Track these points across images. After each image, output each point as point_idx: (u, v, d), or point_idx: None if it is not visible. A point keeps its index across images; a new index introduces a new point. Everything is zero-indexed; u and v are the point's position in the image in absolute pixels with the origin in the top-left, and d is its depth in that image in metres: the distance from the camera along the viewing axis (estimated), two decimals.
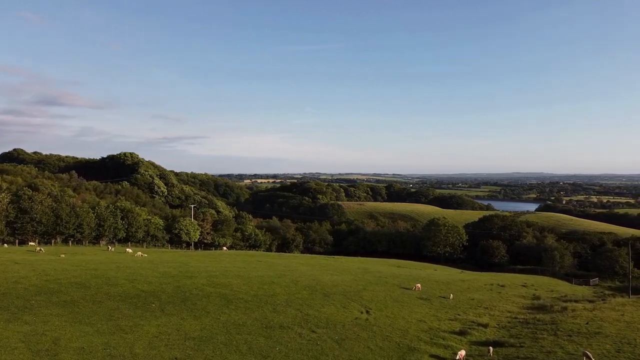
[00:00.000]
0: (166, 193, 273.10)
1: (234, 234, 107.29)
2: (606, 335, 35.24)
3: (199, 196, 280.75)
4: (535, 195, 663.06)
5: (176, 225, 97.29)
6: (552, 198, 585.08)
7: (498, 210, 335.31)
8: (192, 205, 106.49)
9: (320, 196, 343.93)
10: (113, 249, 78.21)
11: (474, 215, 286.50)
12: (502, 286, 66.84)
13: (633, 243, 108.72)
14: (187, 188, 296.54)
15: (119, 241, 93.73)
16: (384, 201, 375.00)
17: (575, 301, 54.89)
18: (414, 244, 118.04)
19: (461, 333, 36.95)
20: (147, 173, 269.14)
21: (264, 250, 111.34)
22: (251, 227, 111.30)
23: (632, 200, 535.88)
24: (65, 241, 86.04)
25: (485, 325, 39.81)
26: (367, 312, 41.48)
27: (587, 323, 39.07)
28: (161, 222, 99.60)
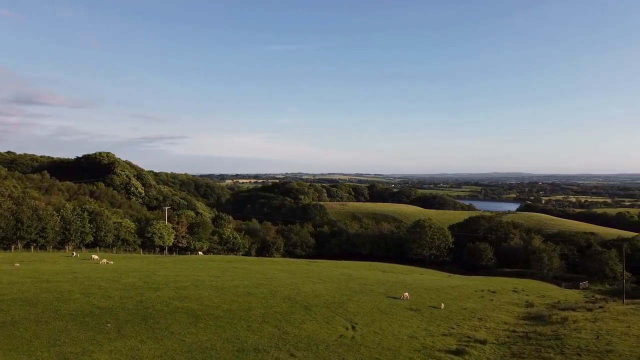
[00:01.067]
0: (143, 194, 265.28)
1: (211, 237, 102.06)
2: (619, 354, 31.68)
3: (177, 197, 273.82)
4: (515, 195, 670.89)
5: (149, 229, 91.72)
6: (532, 198, 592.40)
7: (480, 211, 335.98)
8: (166, 208, 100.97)
9: (303, 196, 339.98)
10: (78, 255, 72.47)
11: (457, 216, 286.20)
12: (493, 292, 63.56)
13: (621, 245, 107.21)
14: (165, 189, 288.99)
15: (87, 246, 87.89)
16: (367, 201, 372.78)
17: (573, 310, 51.65)
18: (398, 247, 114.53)
19: (458, 352, 32.94)
20: (123, 173, 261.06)
21: (243, 254, 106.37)
22: (229, 230, 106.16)
23: (609, 200, 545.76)
24: (27, 246, 79.91)
25: (484, 342, 35.95)
26: (353, 327, 37.29)
27: (597, 338, 35.55)
28: (133, 225, 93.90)
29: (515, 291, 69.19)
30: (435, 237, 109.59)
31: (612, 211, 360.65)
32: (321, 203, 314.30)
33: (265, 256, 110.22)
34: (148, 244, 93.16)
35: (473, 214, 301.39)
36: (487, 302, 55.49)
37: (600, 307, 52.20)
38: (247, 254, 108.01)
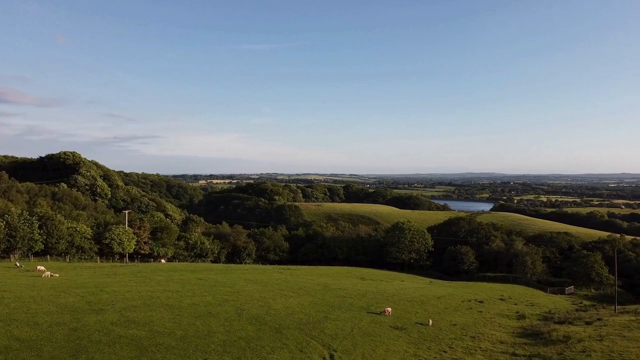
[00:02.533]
0: (110, 195, 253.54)
1: (176, 242, 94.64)
2: None
3: (146, 198, 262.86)
4: (487, 195, 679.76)
5: (107, 235, 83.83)
6: (505, 197, 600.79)
7: (455, 211, 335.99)
8: (127, 211, 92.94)
9: (277, 197, 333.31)
10: (22, 266, 64.49)
11: (433, 216, 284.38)
12: (480, 302, 58.95)
13: (603, 247, 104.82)
14: (133, 190, 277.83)
15: (37, 255, 79.51)
16: (342, 202, 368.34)
17: (570, 323, 47.22)
18: (376, 250, 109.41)
19: None
20: (89, 174, 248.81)
21: (211, 261, 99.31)
22: (197, 234, 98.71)
23: (578, 200, 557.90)
24: None
25: None
26: (331, 356, 31.54)
27: None
28: (89, 230, 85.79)
29: (502, 299, 64.89)
30: (415, 240, 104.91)
31: (583, 210, 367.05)
32: (296, 204, 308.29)
33: (236, 262, 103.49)
34: (106, 251, 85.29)
35: (449, 214, 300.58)
36: (476, 315, 50.68)
37: (598, 319, 48.03)
38: (216, 260, 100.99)
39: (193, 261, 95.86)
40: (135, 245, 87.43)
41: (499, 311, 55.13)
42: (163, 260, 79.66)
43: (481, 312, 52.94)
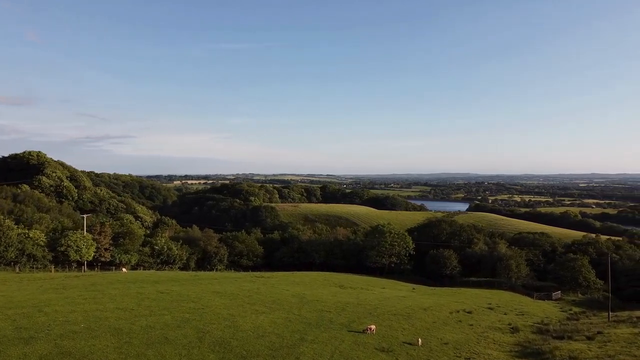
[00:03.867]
0: (76, 197, 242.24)
1: (141, 248, 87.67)
2: None
3: (115, 200, 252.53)
4: (463, 195, 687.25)
5: (62, 241, 76.44)
6: (480, 197, 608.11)
7: (431, 211, 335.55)
8: (85, 215, 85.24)
9: (253, 198, 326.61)
10: None
11: (411, 217, 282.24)
12: (469, 312, 54.66)
13: (588, 250, 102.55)
14: (102, 191, 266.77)
15: None
16: (319, 202, 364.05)
17: (570, 337, 43.18)
18: (355, 254, 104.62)
19: None
20: (54, 174, 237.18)
21: (179, 268, 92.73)
22: (163, 239, 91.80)
23: (550, 199, 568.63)
24: None
25: None
26: None
27: None
28: (42, 236, 78.16)
29: (490, 308, 60.75)
30: (396, 243, 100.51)
31: (556, 210, 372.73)
32: (272, 205, 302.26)
33: (207, 268, 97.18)
34: (62, 259, 77.92)
35: (426, 214, 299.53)
36: (467, 330, 46.22)
37: (599, 333, 44.18)
38: (185, 266, 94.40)
39: (159, 268, 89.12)
40: (94, 252, 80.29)
41: (490, 323, 50.88)
42: (125, 269, 72.83)
43: (472, 325, 48.51)
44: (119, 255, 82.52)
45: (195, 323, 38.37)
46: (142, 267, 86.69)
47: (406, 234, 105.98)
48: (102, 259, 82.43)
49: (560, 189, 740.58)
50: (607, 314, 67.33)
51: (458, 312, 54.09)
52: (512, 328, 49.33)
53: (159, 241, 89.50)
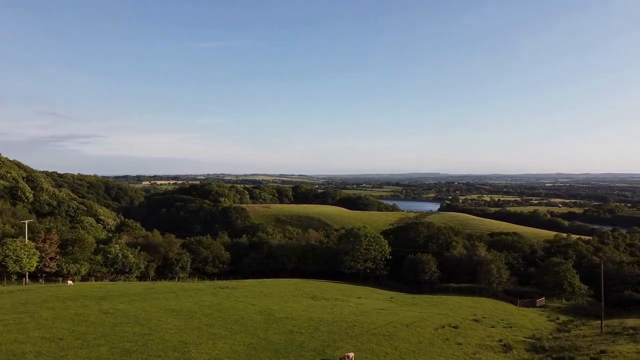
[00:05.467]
0: (32, 199, 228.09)
1: (92, 257, 79.13)
2: None
3: (75, 202, 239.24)
4: (434, 195, 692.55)
5: None
6: (450, 197, 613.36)
7: (404, 211, 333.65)
8: (27, 221, 75.85)
9: (223, 199, 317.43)
10: None
11: (383, 217, 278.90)
12: (455, 327, 49.33)
13: (567, 252, 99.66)
14: (61, 192, 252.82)
15: None
16: (291, 203, 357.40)
17: (571, 359, 38.34)
18: (329, 259, 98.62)
19: None
20: (9, 175, 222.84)
21: (137, 277, 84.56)
22: (118, 246, 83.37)
23: (519, 199, 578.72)
24: None
25: None
26: None
27: None
28: None
29: (476, 320, 55.73)
30: (371, 247, 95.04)
31: (525, 209, 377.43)
32: (243, 206, 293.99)
33: (168, 277, 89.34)
34: (0, 271, 68.94)
35: (399, 214, 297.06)
36: (456, 350, 40.86)
37: (602, 352, 39.67)
38: (144, 275, 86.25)
39: (114, 279, 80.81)
40: (38, 262, 71.53)
41: (480, 340, 45.70)
42: (70, 282, 64.43)
43: (460, 344, 43.17)
44: (67, 265, 73.86)
45: (137, 357, 31.47)
46: (93, 278, 78.24)
47: (382, 237, 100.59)
48: (47, 270, 73.67)
49: (528, 189, 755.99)
50: (596, 322, 63.53)
51: (444, 327, 48.71)
52: (504, 345, 44.34)
53: (112, 248, 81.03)
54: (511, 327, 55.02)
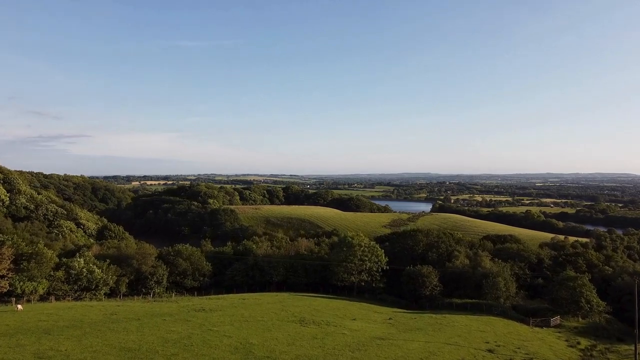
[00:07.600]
0: (8, 202, 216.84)
1: (52, 273, 70.15)
2: None
3: (54, 205, 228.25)
4: (425, 195, 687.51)
5: None
6: (442, 197, 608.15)
7: (396, 212, 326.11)
8: None
9: (212, 200, 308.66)
10: None
11: (375, 219, 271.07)
12: None
13: (577, 262, 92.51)
14: (40, 195, 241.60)
15: None
16: (282, 204, 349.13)
17: None
18: (319, 271, 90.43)
19: None
20: None
21: (105, 294, 75.65)
22: (83, 259, 74.33)
23: (510, 199, 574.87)
24: None
25: None
26: None
27: None
28: None
29: (490, 351, 47.92)
30: (366, 257, 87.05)
31: (517, 210, 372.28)
32: (232, 207, 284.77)
33: (142, 292, 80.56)
34: None
35: (391, 216, 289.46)
36: None
37: None
38: (114, 292, 77.31)
39: (77, 297, 71.85)
40: None
41: None
42: (20, 306, 55.45)
43: None
44: (21, 284, 64.86)
45: None
46: (54, 297, 69.18)
47: (378, 246, 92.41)
48: None
49: (519, 188, 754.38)
50: (622, 347, 56.26)
51: None
52: None
53: (76, 263, 72.06)
54: (531, 358, 47.30)
